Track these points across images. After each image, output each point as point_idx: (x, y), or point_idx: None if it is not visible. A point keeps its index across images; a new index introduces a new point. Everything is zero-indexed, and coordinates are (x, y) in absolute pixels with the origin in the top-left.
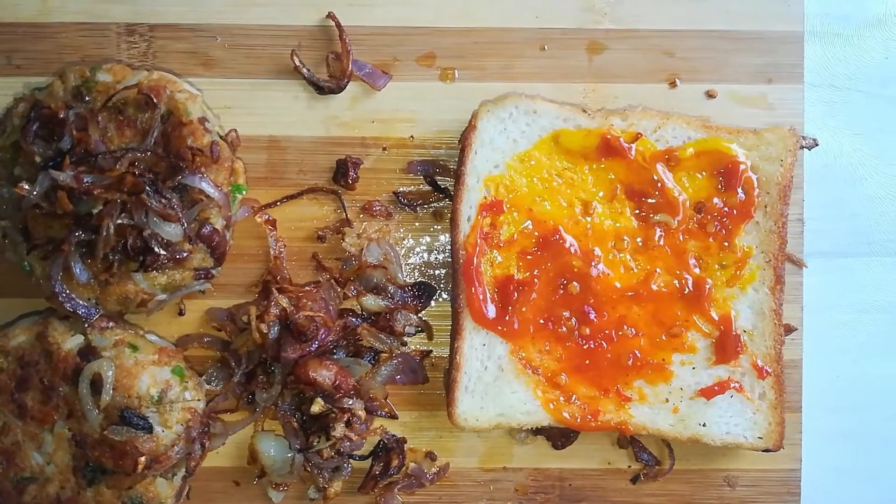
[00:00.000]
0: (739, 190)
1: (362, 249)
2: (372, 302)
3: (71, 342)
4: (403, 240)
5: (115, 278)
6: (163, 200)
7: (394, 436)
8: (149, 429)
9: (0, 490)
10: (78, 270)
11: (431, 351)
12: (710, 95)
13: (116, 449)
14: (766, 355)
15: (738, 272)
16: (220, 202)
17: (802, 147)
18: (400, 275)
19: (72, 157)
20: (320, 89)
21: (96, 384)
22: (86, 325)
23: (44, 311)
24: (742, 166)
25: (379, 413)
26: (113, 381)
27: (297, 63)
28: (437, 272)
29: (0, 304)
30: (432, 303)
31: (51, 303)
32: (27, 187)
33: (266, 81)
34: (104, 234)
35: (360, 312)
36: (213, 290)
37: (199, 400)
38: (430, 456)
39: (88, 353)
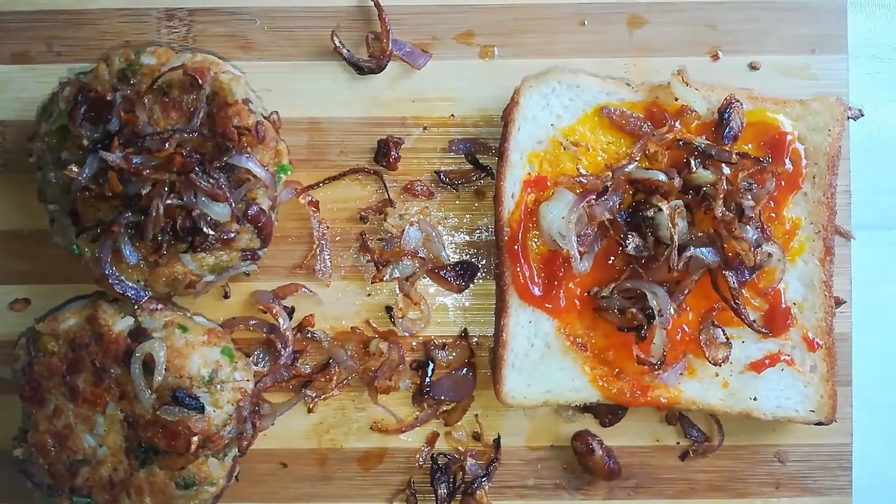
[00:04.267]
0: (787, 160)
1: (403, 231)
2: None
3: (121, 324)
4: (446, 219)
5: (164, 260)
6: (211, 180)
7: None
8: (200, 409)
9: (53, 473)
10: (127, 252)
11: (466, 330)
12: (753, 67)
13: (169, 429)
14: (816, 327)
15: (787, 244)
16: (267, 182)
17: (849, 117)
18: (443, 254)
19: (120, 138)
20: (360, 70)
21: (147, 365)
22: (135, 307)
23: (91, 294)
24: (789, 137)
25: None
26: (165, 362)
27: (337, 44)
28: (479, 251)
29: (48, 289)
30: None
31: (100, 285)
32: (76, 170)
33: (305, 63)
34: (153, 214)
35: None
36: (258, 272)
37: (248, 380)
38: (475, 436)
39: (139, 334)
